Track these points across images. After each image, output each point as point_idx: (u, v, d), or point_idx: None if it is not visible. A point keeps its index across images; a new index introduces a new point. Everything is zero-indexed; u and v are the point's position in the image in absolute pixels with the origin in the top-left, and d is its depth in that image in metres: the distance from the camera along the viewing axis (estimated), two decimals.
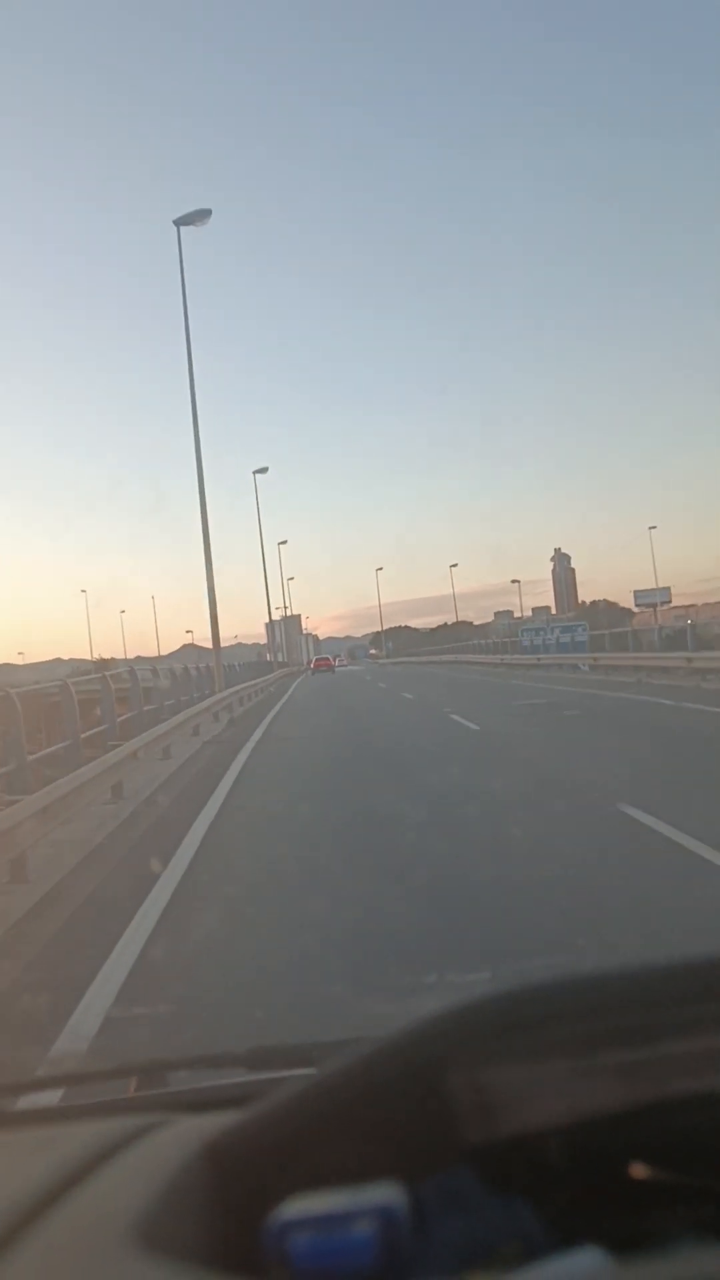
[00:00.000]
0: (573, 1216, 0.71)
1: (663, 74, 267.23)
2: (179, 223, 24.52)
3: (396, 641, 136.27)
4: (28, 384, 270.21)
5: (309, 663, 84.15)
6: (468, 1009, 0.73)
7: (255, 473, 57.00)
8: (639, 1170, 0.75)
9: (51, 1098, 1.37)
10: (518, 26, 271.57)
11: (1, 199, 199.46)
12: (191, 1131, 0.78)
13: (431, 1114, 0.71)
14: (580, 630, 37.39)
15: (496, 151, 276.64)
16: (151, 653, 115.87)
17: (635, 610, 68.47)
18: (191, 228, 24.67)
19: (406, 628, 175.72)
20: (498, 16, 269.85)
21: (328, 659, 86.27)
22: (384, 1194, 0.64)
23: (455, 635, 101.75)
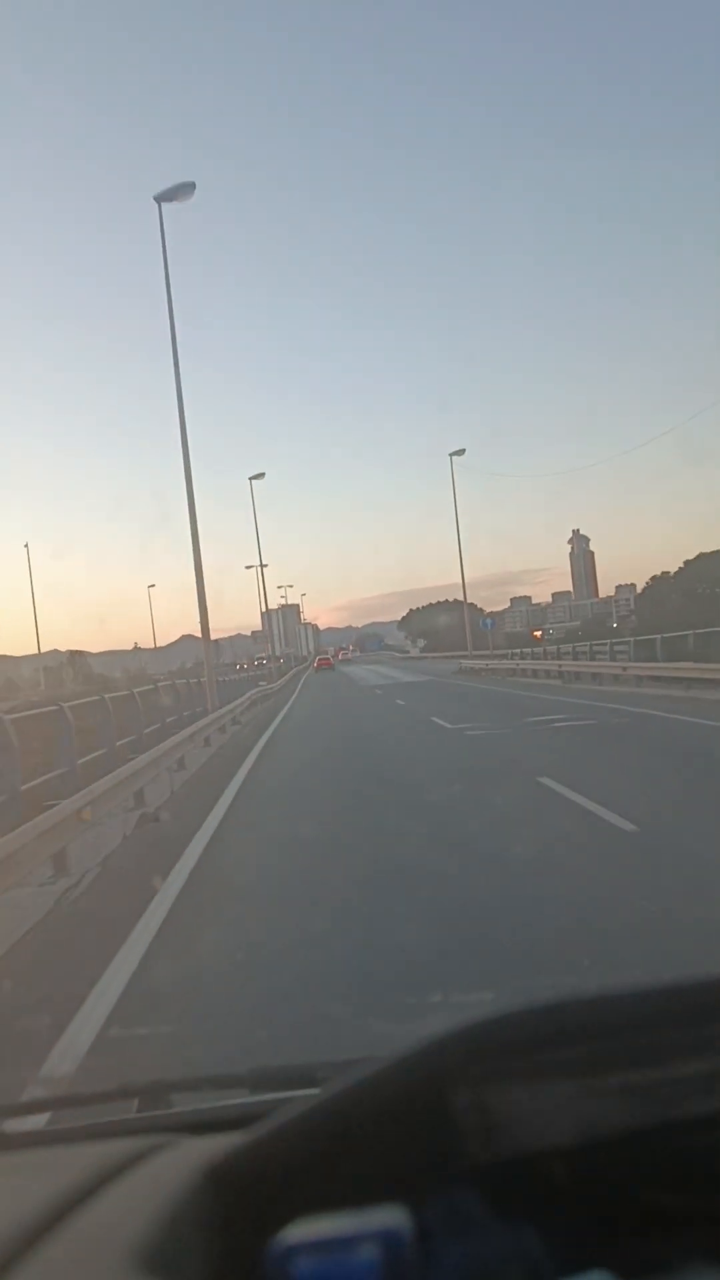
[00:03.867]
0: (579, 1240, 0.70)
1: (656, 95, 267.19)
2: (159, 198, 20.50)
3: (445, 620, 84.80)
4: (30, 390, 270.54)
5: (314, 660, 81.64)
6: (472, 1029, 0.72)
7: (248, 477, 49.27)
8: (647, 1194, 0.74)
9: (53, 1119, 1.35)
10: (523, 48, 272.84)
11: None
12: (194, 1153, 0.77)
13: (436, 1135, 0.70)
14: None
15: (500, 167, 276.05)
16: (149, 645, 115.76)
17: None
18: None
19: (451, 602, 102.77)
20: (504, 38, 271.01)
21: (328, 658, 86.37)
22: (388, 1217, 0.63)
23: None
